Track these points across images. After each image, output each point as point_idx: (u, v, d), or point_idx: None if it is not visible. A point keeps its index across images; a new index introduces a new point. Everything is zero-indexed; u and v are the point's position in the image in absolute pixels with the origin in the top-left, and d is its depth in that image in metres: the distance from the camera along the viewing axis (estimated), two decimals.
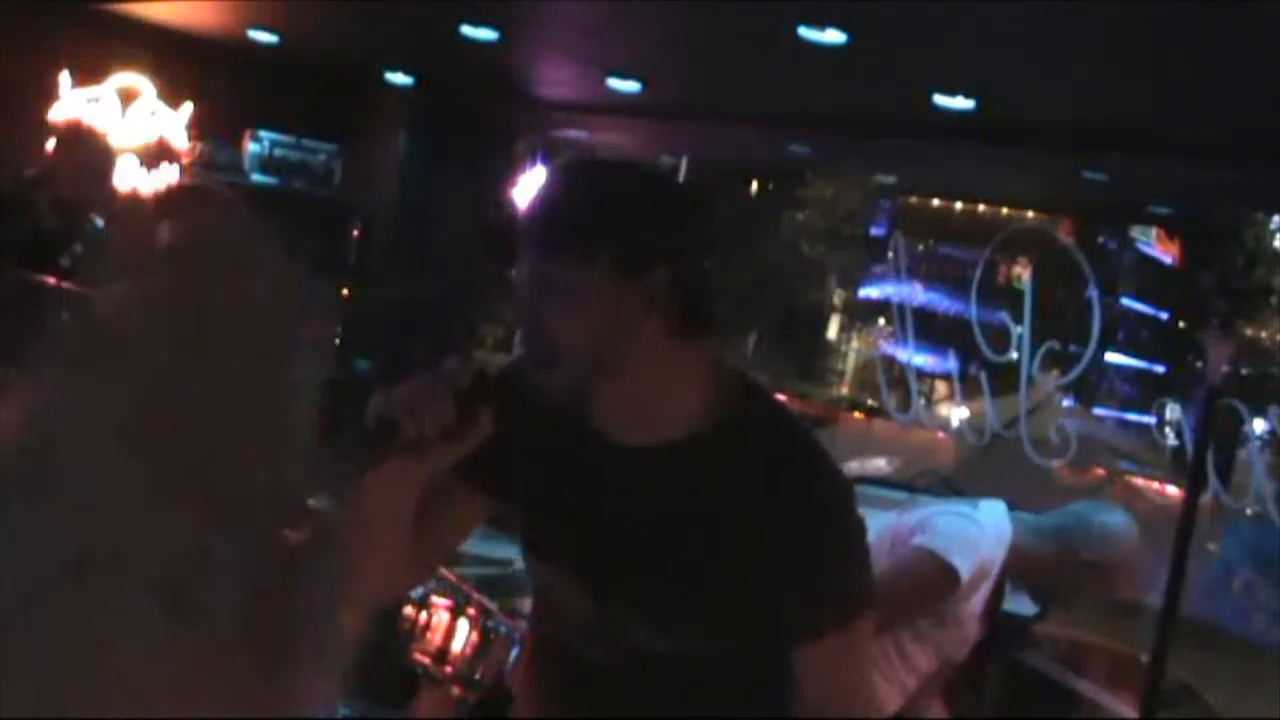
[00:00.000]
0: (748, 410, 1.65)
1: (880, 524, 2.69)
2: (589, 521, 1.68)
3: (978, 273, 7.97)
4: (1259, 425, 7.95)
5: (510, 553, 3.56)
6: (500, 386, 1.60)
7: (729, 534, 1.60)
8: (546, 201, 1.60)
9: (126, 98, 7.99)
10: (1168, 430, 12.36)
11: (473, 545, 3.59)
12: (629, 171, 1.66)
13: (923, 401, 9.09)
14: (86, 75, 7.79)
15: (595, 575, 1.69)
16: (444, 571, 3.29)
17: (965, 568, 2.62)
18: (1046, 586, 2.89)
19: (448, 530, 1.79)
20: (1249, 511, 6.63)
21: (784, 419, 1.70)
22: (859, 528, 1.65)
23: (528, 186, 9.75)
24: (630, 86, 7.41)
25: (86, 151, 4.38)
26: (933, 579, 2.63)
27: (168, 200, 4.37)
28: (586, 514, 1.69)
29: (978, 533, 2.70)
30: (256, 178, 8.06)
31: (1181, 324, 23.33)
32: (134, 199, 7.72)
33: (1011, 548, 2.76)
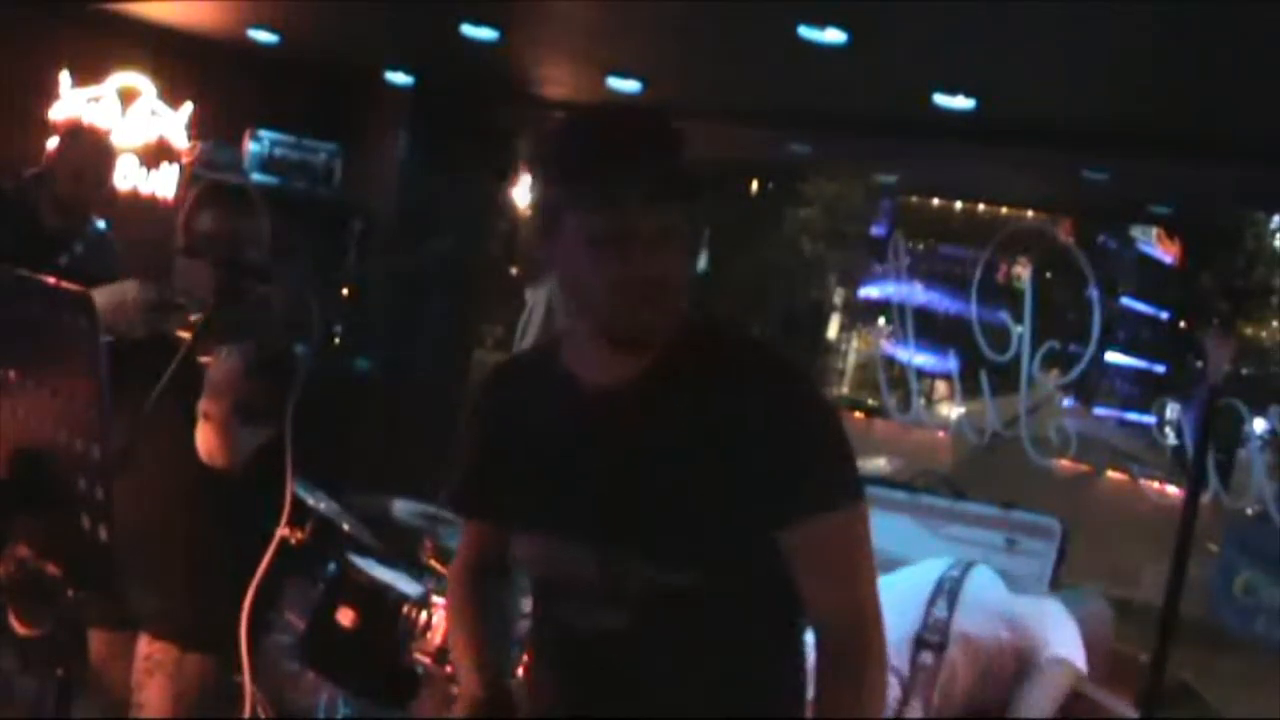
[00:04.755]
0: (714, 330, 1.72)
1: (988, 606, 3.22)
2: (580, 471, 1.72)
3: (978, 273, 7.97)
4: (1259, 425, 7.95)
5: None
6: (483, 397, 1.68)
7: (716, 451, 1.64)
8: (625, 145, 1.61)
9: (126, 98, 7.99)
10: (1168, 430, 12.37)
11: None
12: (652, 113, 1.72)
13: (923, 401, 9.09)
14: (86, 75, 7.79)
15: (594, 522, 1.71)
16: (443, 571, 3.28)
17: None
18: None
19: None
20: (1249, 511, 6.62)
21: (747, 335, 1.82)
22: (836, 417, 1.72)
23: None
24: (630, 86, 7.40)
25: (86, 151, 4.36)
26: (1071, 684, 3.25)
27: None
28: (577, 465, 1.73)
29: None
30: (256, 178, 8.03)
31: (1181, 324, 23.32)
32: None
33: None
